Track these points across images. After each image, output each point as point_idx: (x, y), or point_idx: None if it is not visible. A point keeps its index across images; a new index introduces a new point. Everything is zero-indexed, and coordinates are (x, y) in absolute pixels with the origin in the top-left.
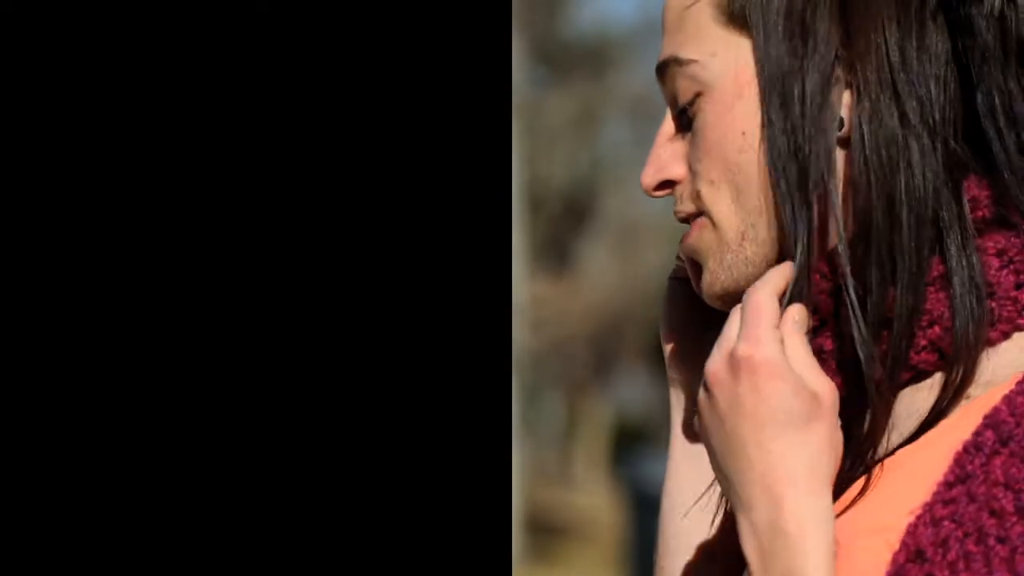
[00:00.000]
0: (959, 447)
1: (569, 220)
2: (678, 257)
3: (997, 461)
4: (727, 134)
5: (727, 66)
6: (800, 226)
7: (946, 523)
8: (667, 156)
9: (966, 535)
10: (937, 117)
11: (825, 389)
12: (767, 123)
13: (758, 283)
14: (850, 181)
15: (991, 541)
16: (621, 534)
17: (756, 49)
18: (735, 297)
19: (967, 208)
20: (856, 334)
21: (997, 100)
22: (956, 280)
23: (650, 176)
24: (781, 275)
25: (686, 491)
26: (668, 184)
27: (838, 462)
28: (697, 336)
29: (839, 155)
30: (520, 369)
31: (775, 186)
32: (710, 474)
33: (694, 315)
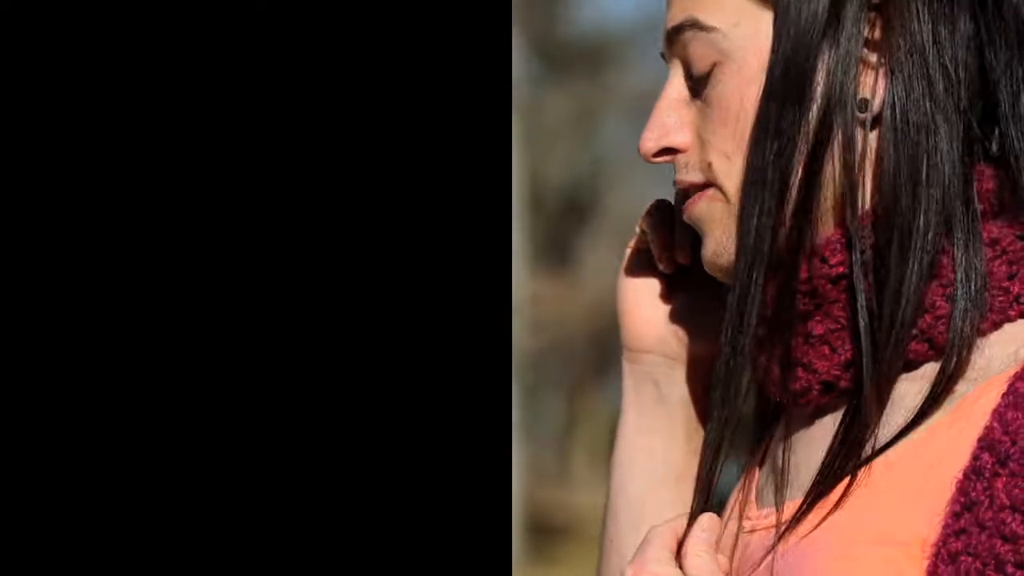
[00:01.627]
0: (959, 475)
1: (569, 219)
2: (641, 230)
3: (999, 484)
4: (747, 108)
5: (750, 38)
6: (768, 211)
7: (963, 557)
8: (672, 122)
9: (984, 565)
10: (964, 102)
11: None
12: (777, 98)
13: (658, 525)
14: (875, 162)
15: (1009, 568)
16: None
17: (778, 22)
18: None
19: (975, 196)
20: (864, 319)
21: (1016, 88)
22: (960, 268)
23: (652, 141)
24: (682, 520)
25: (638, 463)
26: (669, 151)
27: None
28: (655, 306)
29: (859, 135)
30: (520, 369)
31: (768, 161)
32: (662, 447)
33: (653, 286)
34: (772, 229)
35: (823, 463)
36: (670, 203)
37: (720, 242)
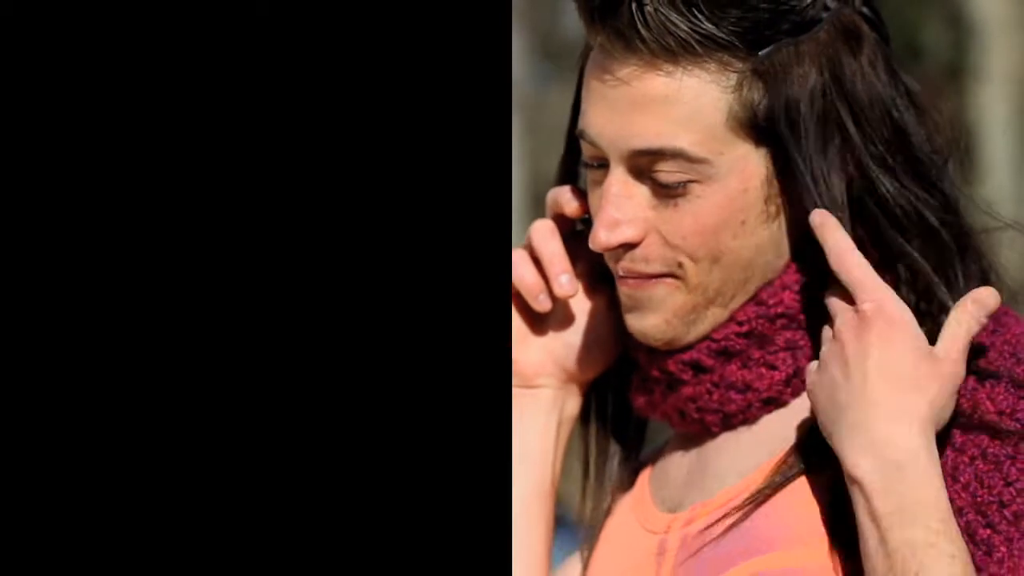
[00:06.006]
0: None
1: None
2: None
3: (981, 395)
4: (726, 222)
5: (734, 164)
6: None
7: (948, 452)
8: (626, 219)
9: (972, 459)
10: (925, 161)
11: (948, 357)
12: (803, 209)
13: (855, 263)
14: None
15: (1002, 458)
16: None
17: (795, 152)
18: (673, 344)
19: None
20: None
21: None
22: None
23: (611, 238)
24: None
25: (523, 480)
26: (623, 245)
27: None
28: (539, 342)
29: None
30: None
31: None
32: (542, 466)
33: (533, 324)
34: None
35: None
36: (523, 251)
37: (670, 323)
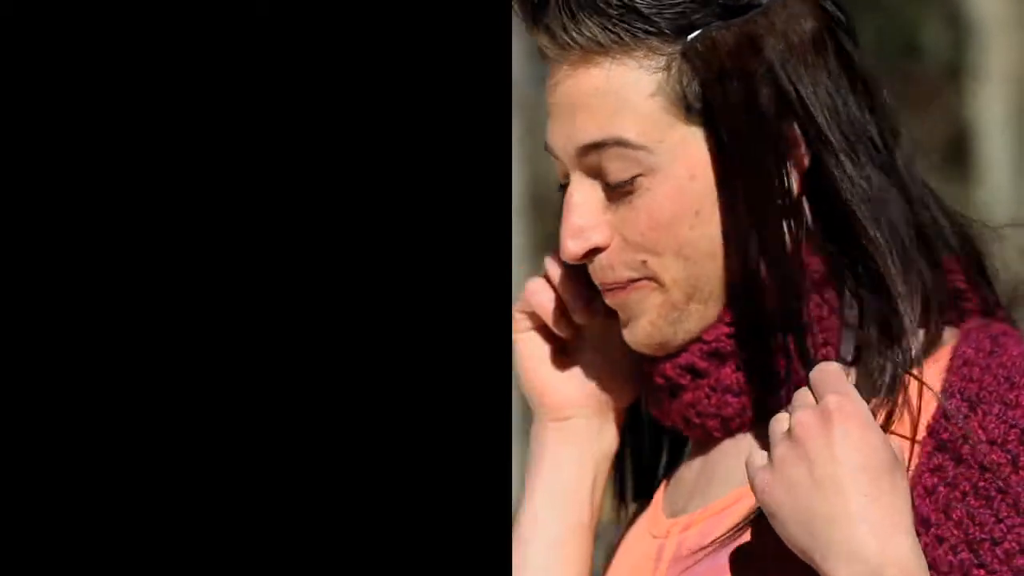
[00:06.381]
0: (928, 420)
1: None
2: (523, 314)
3: (973, 423)
4: (679, 213)
5: (676, 151)
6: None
7: (940, 488)
8: (589, 224)
9: (964, 494)
10: (880, 149)
11: (898, 449)
12: (742, 197)
13: (823, 364)
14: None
15: (993, 492)
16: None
17: (726, 139)
18: (666, 347)
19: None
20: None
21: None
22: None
23: (577, 246)
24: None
25: (548, 519)
26: (592, 251)
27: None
28: (564, 372)
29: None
30: None
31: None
32: (576, 503)
33: (554, 355)
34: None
35: None
36: (541, 279)
37: (655, 325)
